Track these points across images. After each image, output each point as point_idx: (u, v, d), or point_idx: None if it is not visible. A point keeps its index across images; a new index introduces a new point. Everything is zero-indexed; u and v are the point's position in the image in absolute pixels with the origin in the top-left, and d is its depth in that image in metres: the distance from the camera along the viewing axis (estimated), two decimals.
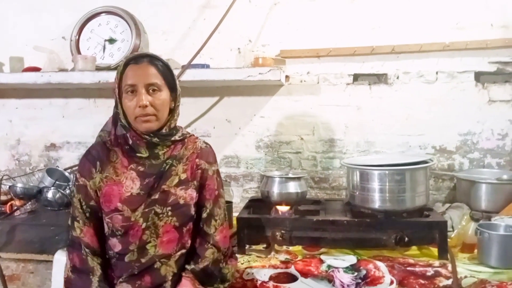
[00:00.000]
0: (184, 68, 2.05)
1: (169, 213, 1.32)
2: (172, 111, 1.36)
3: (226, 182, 2.36)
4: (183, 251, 1.35)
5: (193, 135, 1.46)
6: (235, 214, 1.95)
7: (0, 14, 2.52)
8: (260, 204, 1.87)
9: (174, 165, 1.35)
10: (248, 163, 2.32)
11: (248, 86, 2.24)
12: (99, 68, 2.18)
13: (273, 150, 2.31)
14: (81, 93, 2.46)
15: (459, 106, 2.11)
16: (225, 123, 2.34)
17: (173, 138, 1.36)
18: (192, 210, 1.36)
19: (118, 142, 1.35)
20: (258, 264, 1.55)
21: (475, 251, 1.57)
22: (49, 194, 2.06)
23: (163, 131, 1.34)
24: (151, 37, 2.33)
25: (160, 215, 1.31)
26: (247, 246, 1.67)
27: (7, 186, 2.14)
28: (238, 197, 2.35)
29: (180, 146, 1.39)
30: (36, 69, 2.28)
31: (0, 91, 2.53)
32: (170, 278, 1.31)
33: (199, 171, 1.38)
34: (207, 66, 2.15)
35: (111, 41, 2.27)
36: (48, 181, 2.16)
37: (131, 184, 1.32)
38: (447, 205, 1.92)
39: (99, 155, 1.35)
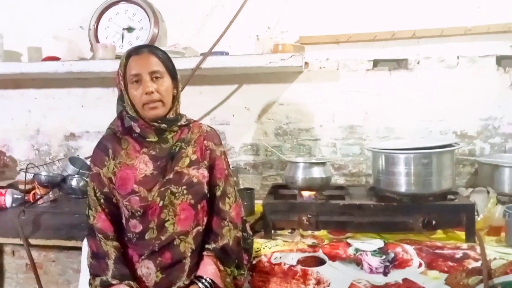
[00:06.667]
0: (205, 55, 2.05)
1: (185, 191, 1.37)
2: (175, 98, 1.43)
3: (246, 169, 2.37)
4: (199, 228, 1.40)
5: (197, 121, 1.53)
6: (256, 202, 1.98)
7: (17, 5, 2.53)
8: (283, 190, 1.89)
9: (183, 147, 1.42)
10: (268, 151, 2.32)
11: (267, 73, 2.24)
12: (118, 57, 2.17)
13: (292, 137, 2.31)
14: (99, 83, 2.46)
15: (480, 91, 2.10)
16: (244, 111, 2.35)
17: (179, 123, 1.43)
18: (205, 188, 1.42)
19: (127, 132, 1.41)
20: (286, 248, 1.56)
21: (502, 234, 1.58)
22: (74, 182, 2.09)
23: (170, 116, 1.41)
24: (169, 26, 2.33)
25: (176, 194, 1.37)
26: (272, 232, 1.68)
27: (31, 175, 2.16)
28: (257, 184, 2.36)
29: (187, 130, 1.46)
30: (56, 59, 2.29)
31: (19, 81, 2.54)
32: (189, 254, 1.37)
33: (208, 151, 1.45)
34: (226, 54, 2.14)
35: (130, 29, 2.27)
36: (71, 169, 2.18)
37: (145, 167, 1.38)
38: (470, 189, 1.91)
39: (110, 144, 1.42)
